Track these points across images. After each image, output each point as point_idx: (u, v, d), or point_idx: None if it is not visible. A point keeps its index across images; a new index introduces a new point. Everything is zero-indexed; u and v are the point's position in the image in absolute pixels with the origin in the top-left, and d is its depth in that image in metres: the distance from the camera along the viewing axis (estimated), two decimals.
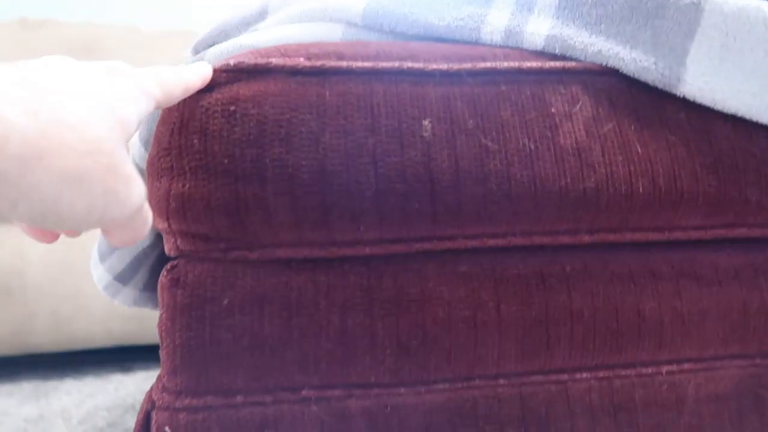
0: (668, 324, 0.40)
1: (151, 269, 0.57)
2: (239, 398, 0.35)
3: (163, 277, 0.36)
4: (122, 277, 0.57)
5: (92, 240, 1.17)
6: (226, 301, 0.35)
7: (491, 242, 0.37)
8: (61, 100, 0.23)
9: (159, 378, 0.37)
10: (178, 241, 0.36)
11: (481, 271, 0.38)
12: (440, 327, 0.37)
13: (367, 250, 0.36)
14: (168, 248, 0.36)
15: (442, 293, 0.37)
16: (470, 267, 0.38)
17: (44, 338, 1.16)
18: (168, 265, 0.36)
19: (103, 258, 0.58)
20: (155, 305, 0.62)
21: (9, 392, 1.13)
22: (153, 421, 0.34)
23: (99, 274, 0.59)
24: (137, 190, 0.26)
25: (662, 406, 0.40)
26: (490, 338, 0.38)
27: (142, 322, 1.19)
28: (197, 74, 0.33)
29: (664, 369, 0.40)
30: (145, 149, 0.46)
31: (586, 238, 0.38)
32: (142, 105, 0.27)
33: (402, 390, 0.37)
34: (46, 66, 0.25)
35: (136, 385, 1.15)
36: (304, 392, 0.36)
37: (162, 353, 0.36)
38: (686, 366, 0.41)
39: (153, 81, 0.29)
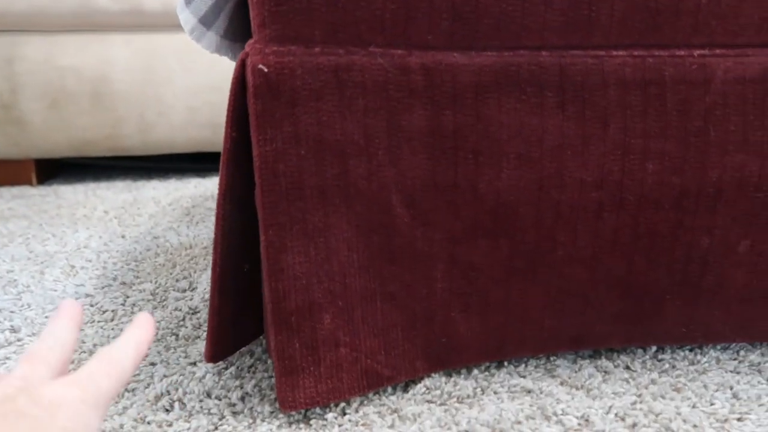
0: (705, 6, 0.43)
1: (229, 16, 0.64)
2: (317, 49, 0.42)
3: None
4: (206, 20, 0.64)
5: (171, 49, 1.25)
6: None
7: None
8: None
9: (251, 39, 0.43)
10: None
11: None
12: None
13: None
14: None
15: None
16: None
17: (133, 141, 1.28)
18: None
19: (188, 1, 0.64)
20: (233, 55, 0.70)
21: (106, 187, 1.28)
22: (248, 64, 0.42)
23: (185, 17, 0.65)
24: None
25: (690, 83, 0.44)
26: (536, 9, 0.42)
27: (216, 129, 1.29)
28: (136, 345, 0.31)
29: (696, 52, 0.44)
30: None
31: None
32: (98, 418, 0.27)
33: (455, 54, 0.43)
34: None
35: (213, 184, 1.28)
36: (371, 48, 0.42)
37: (252, 12, 0.42)
38: (718, 51, 0.44)
39: (106, 390, 0.28)
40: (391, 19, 0.42)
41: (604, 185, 0.45)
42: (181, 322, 0.60)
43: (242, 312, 0.51)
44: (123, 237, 0.91)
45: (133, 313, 0.63)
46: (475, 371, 0.50)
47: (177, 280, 0.72)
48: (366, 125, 0.42)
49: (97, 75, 1.23)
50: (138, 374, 0.50)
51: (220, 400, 0.46)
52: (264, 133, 0.42)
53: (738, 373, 0.49)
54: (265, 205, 0.42)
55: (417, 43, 0.42)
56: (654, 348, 0.53)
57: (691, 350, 0.52)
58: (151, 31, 1.23)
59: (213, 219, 1.00)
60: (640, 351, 0.52)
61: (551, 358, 0.51)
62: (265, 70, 0.41)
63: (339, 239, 0.43)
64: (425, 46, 0.42)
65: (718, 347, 0.53)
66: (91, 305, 0.65)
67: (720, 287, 0.48)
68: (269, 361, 0.52)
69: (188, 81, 1.26)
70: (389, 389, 0.48)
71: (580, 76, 0.44)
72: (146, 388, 0.48)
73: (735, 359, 0.51)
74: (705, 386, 0.47)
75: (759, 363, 0.50)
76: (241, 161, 0.45)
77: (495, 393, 0.47)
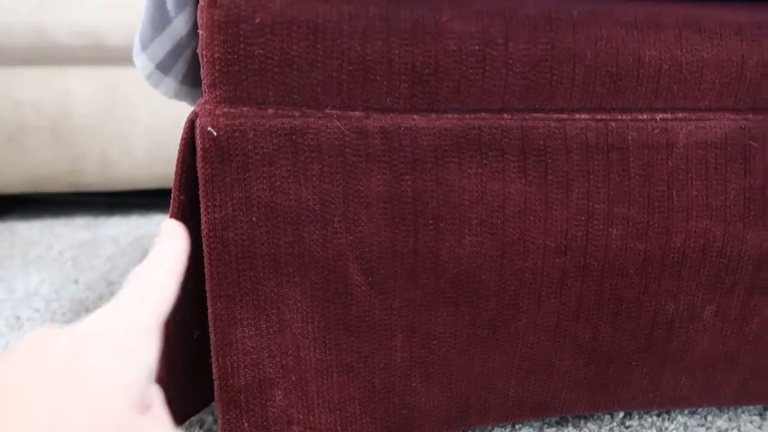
0: (666, 71, 0.43)
1: (188, 61, 0.62)
2: (270, 111, 0.40)
3: (202, 1, 0.40)
4: (163, 66, 0.62)
5: (134, 83, 1.22)
6: (258, 20, 0.39)
7: None
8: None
9: (202, 98, 0.41)
10: None
11: (492, 10, 0.41)
12: (451, 58, 0.40)
13: None
14: None
15: (454, 28, 0.40)
16: (482, 6, 0.41)
17: (94, 178, 1.24)
18: None
19: (144, 46, 0.62)
20: (193, 101, 0.67)
21: (65, 224, 1.24)
22: (197, 126, 0.40)
23: (142, 62, 0.63)
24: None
25: (653, 148, 0.44)
26: (498, 72, 0.41)
27: None
28: (171, 263, 0.27)
29: (659, 116, 0.44)
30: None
31: None
32: (153, 344, 0.24)
33: (415, 116, 0.41)
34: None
35: None
36: (327, 110, 0.40)
37: (203, 71, 0.41)
38: (680, 115, 0.44)
39: (153, 314, 0.25)
40: (348, 81, 0.40)
41: (568, 251, 0.44)
42: None
43: (192, 379, 0.48)
44: (76, 282, 0.87)
45: None
46: None
47: None
48: (321, 190, 0.40)
49: (57, 110, 1.20)
50: None
51: None
52: (213, 199, 0.39)
53: None
54: (213, 276, 0.40)
55: (375, 105, 0.41)
56: (621, 413, 0.51)
57: (658, 415, 0.51)
58: (113, 65, 1.20)
59: None
60: (607, 417, 0.51)
61: (516, 426, 0.49)
62: (215, 133, 0.39)
63: (292, 310, 0.41)
64: (384, 109, 0.41)
65: (686, 412, 0.51)
66: None
67: (686, 353, 0.47)
68: None
69: (152, 116, 1.23)
70: None
71: (542, 140, 0.42)
72: None
73: (703, 425, 0.50)
74: None
75: (726, 429, 0.49)
76: (189, 226, 0.42)
77: None
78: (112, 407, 0.20)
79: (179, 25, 0.57)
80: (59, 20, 1.14)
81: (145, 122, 1.23)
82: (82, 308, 0.76)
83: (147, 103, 1.22)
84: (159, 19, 0.59)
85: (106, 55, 1.18)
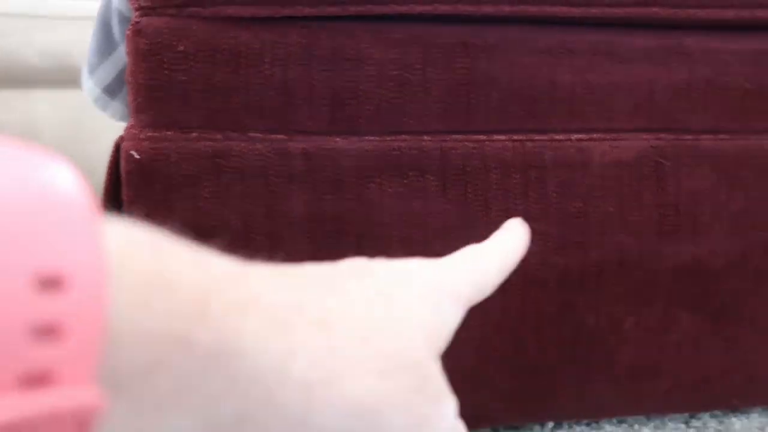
0: (580, 95, 0.45)
1: None
2: (194, 134, 0.41)
3: (128, 31, 0.41)
4: (110, 90, 0.63)
5: None
6: (181, 48, 0.40)
7: (419, 9, 0.42)
8: (356, 300, 0.20)
9: (128, 123, 0.43)
10: None
11: (410, 38, 0.42)
12: (371, 83, 0.42)
13: (306, 11, 0.41)
14: (134, 6, 0.41)
15: (373, 54, 0.42)
16: (401, 35, 0.42)
17: None
18: (133, 20, 0.41)
19: (92, 71, 0.63)
20: None
21: None
22: (122, 150, 0.41)
23: (89, 87, 0.64)
24: (449, 410, 0.21)
25: (569, 167, 0.45)
26: (416, 97, 0.43)
27: None
28: (515, 250, 0.27)
29: (574, 136, 0.46)
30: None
31: (507, 9, 0.43)
32: (458, 314, 0.23)
33: (337, 138, 0.43)
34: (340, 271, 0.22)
35: None
36: (250, 134, 0.42)
37: (129, 97, 0.42)
38: (595, 135, 0.46)
39: (468, 285, 0.24)
40: (270, 106, 0.42)
41: None
42: None
43: None
44: None
45: None
46: None
47: None
48: (244, 211, 0.42)
49: (21, 131, 1.20)
50: None
51: None
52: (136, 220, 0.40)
53: None
54: None
55: (298, 128, 0.42)
56: (551, 424, 0.52)
57: (588, 425, 0.52)
58: (77, 86, 1.21)
59: None
60: (537, 427, 0.52)
61: None
62: (137, 156, 0.40)
63: None
64: (306, 132, 0.42)
65: (614, 421, 0.53)
66: None
67: (608, 364, 0.49)
68: None
69: (116, 137, 1.23)
70: None
71: (461, 160, 0.44)
72: None
73: None
74: None
75: None
76: None
77: None
78: (415, 345, 0.20)
79: (125, 51, 0.59)
80: (27, 41, 1.14)
81: (109, 144, 1.23)
82: None
83: (111, 124, 1.23)
84: (105, 45, 0.61)
85: (74, 77, 1.19)
